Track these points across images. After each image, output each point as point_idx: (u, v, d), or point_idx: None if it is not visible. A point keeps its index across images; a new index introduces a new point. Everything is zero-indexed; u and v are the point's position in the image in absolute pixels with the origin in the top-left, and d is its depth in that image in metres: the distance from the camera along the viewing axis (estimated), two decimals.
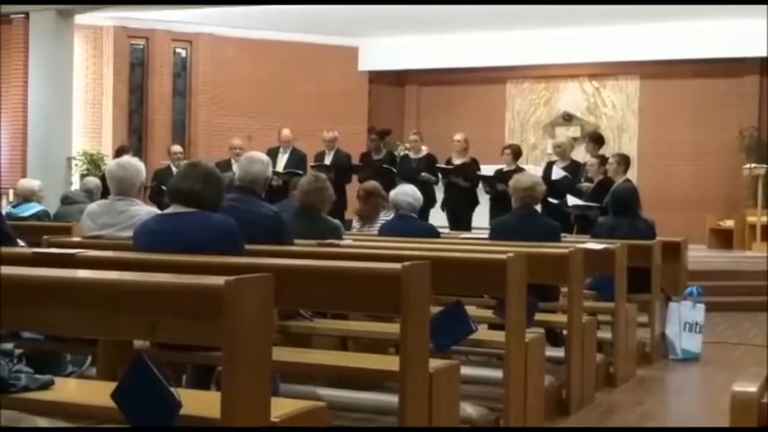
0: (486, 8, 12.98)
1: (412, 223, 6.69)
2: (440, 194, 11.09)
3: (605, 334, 6.37)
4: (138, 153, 13.28)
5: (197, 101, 15.08)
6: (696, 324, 7.23)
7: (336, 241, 5.46)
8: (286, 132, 11.49)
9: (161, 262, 3.81)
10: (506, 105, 16.12)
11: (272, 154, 10.54)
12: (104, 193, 6.92)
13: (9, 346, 3.28)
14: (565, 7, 12.78)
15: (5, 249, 4.10)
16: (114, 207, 5.20)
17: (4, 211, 7.32)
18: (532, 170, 10.52)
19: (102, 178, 7.55)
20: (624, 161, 9.40)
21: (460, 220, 10.73)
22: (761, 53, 13.13)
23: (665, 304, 7.36)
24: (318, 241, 5.31)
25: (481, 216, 10.73)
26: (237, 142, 11.46)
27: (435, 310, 4.26)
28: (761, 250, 12.36)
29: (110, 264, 3.93)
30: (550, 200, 9.35)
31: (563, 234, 7.19)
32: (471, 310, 5.06)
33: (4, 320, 2.92)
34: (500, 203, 9.79)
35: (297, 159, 11.25)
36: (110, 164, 6.30)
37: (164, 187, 8.35)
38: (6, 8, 12.88)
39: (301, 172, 10.16)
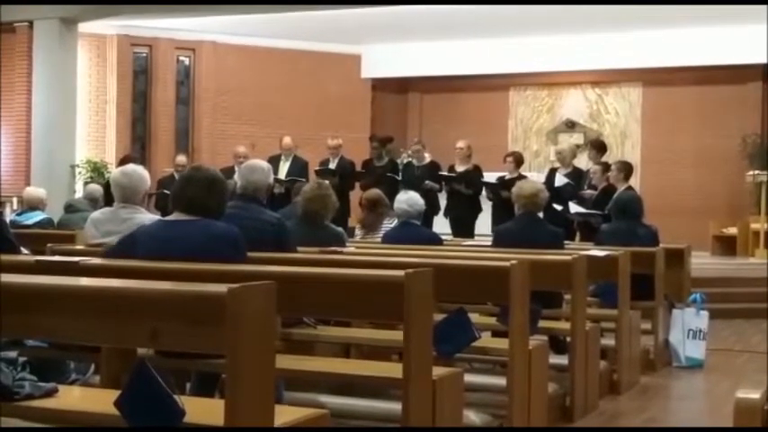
0: (489, 15, 12.98)
1: (415, 231, 6.68)
2: (443, 202, 11.10)
3: (609, 341, 6.35)
4: (142, 161, 13.26)
5: (200, 109, 15.09)
6: (700, 331, 7.22)
7: (339, 248, 5.46)
8: (287, 140, 11.55)
9: (164, 270, 3.81)
10: (509, 112, 16.11)
11: (274, 162, 10.57)
12: (108, 201, 6.92)
13: (13, 353, 3.29)
14: (567, 14, 12.78)
15: (9, 257, 4.10)
16: (118, 215, 5.19)
17: (7, 219, 7.32)
18: (535, 177, 10.52)
19: (106, 186, 7.55)
20: (625, 168, 9.40)
21: (463, 227, 10.72)
22: (763, 60, 13.11)
23: (669, 311, 7.35)
24: (321, 248, 5.31)
25: (484, 223, 10.73)
26: (242, 150, 11.48)
27: (438, 317, 4.25)
28: (764, 257, 12.34)
29: (113, 271, 3.94)
30: (555, 206, 9.35)
31: (566, 241, 7.18)
32: (474, 317, 5.05)
33: (7, 328, 2.92)
34: (503, 210, 9.78)
35: (298, 167, 11.30)
36: (114, 171, 6.30)
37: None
38: (10, 16, 12.90)
39: (303, 179, 10.17)
